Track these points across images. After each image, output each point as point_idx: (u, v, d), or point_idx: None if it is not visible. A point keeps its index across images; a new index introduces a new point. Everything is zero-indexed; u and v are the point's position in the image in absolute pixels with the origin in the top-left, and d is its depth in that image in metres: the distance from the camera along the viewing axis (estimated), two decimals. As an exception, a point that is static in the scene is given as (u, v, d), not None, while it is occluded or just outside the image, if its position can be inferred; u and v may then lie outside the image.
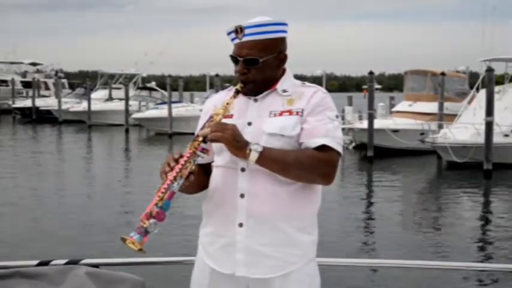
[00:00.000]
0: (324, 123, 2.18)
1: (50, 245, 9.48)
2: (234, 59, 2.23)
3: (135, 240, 2.00)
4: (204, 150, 2.12)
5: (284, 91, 2.25)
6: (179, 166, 2.09)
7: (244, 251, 2.19)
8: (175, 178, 2.08)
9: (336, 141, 2.18)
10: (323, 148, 2.16)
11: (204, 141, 2.12)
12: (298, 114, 2.20)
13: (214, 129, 2.11)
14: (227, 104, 2.20)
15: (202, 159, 2.16)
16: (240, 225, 2.19)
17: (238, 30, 2.19)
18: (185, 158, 2.11)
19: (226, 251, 2.23)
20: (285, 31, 2.25)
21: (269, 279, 2.20)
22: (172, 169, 2.09)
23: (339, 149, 2.19)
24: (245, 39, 2.19)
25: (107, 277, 2.55)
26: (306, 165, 2.14)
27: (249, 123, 2.22)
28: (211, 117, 2.20)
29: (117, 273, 2.58)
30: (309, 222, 2.26)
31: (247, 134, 2.17)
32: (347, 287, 7.53)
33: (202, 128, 2.18)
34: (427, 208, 13.90)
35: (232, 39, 2.23)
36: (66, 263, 2.62)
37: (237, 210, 2.20)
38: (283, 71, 2.30)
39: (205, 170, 2.31)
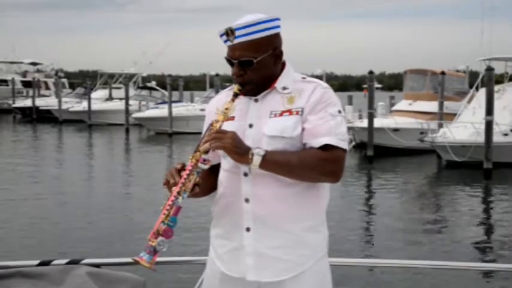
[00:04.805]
0: (326, 121, 2.15)
1: (50, 244, 9.49)
2: (229, 61, 2.20)
3: (145, 260, 2.02)
4: (206, 161, 2.10)
5: (284, 88, 2.20)
6: (182, 180, 2.07)
7: (253, 255, 2.18)
8: (179, 193, 2.07)
9: (339, 138, 2.15)
10: (327, 147, 2.13)
11: (205, 151, 2.11)
12: (298, 114, 2.16)
13: (213, 139, 2.09)
14: (226, 109, 2.17)
15: (205, 166, 2.12)
16: (247, 229, 2.18)
17: (229, 33, 2.15)
18: (187, 172, 2.09)
19: (235, 255, 2.21)
20: (277, 27, 2.19)
21: (281, 282, 2.18)
22: (176, 184, 2.08)
23: (343, 145, 2.16)
24: (237, 41, 2.14)
25: (108, 277, 2.55)
26: (311, 166, 2.12)
27: (250, 125, 2.19)
28: (211, 124, 2.16)
29: (118, 273, 2.58)
30: (317, 221, 2.23)
31: (249, 137, 2.15)
32: (347, 287, 7.52)
33: (203, 137, 2.15)
34: (427, 207, 13.91)
35: (225, 41, 2.19)
36: (67, 263, 2.62)
37: (243, 214, 2.18)
38: (283, 65, 2.25)
39: (215, 171, 2.28)
